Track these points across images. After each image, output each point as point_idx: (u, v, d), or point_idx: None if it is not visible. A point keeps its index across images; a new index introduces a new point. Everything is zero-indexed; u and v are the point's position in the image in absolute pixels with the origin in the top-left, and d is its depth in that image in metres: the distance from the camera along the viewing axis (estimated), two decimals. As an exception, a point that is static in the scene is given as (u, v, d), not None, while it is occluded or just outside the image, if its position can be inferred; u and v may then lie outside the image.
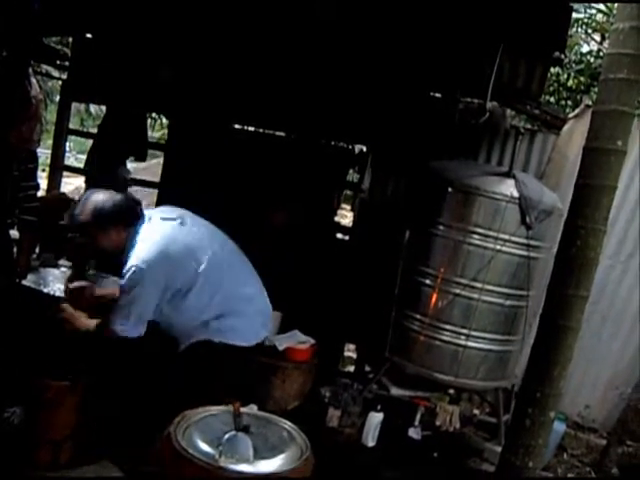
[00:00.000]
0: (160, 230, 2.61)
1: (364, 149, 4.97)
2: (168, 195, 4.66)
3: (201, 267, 2.58)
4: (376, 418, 3.53)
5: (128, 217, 2.64)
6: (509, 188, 3.49)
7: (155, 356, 2.75)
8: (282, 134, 5.13)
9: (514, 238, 3.48)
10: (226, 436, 1.85)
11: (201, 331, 2.63)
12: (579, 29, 6.95)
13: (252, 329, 2.76)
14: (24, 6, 3.02)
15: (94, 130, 6.59)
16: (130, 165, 5.84)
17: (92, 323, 2.68)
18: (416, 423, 3.75)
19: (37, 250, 3.93)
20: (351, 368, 4.89)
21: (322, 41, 4.11)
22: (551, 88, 6.72)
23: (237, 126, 5.25)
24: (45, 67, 6.74)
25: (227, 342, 2.64)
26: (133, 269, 2.49)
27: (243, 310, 2.70)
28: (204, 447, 1.81)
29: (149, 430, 2.55)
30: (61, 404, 2.60)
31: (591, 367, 4.23)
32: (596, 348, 4.20)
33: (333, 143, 4.91)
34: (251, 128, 5.23)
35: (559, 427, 3.66)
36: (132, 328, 2.55)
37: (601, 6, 6.76)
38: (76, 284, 2.99)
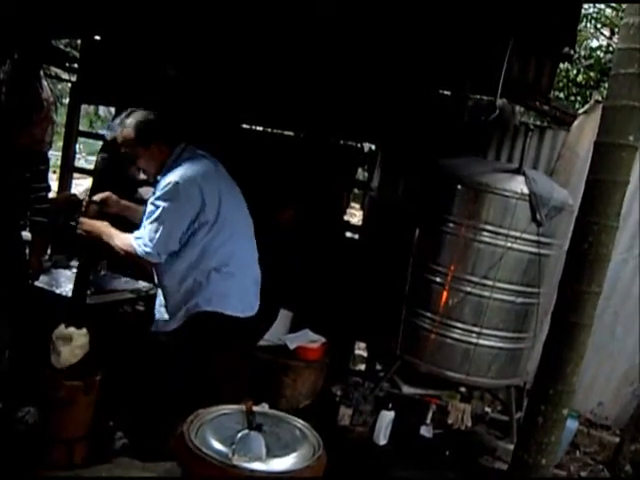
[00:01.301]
0: (201, 161, 2.64)
1: (373, 147, 4.97)
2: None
3: (225, 208, 2.59)
4: (387, 416, 3.53)
5: (169, 133, 2.65)
6: (519, 185, 3.48)
7: (158, 354, 2.76)
8: (290, 133, 5.13)
9: (525, 235, 3.47)
10: (239, 435, 1.85)
11: (198, 292, 2.60)
12: (588, 24, 6.91)
13: (247, 297, 2.73)
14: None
15: (103, 132, 6.62)
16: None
17: (120, 236, 2.64)
18: (428, 421, 3.74)
19: (49, 251, 3.95)
20: (362, 366, 4.89)
21: (331, 39, 4.11)
22: (560, 84, 6.69)
23: (245, 126, 5.26)
24: (54, 69, 6.77)
25: (222, 311, 2.61)
26: (170, 184, 2.48)
27: (241, 273, 2.68)
28: (217, 446, 1.82)
29: (162, 427, 2.58)
30: (75, 403, 2.62)
31: (604, 364, 4.20)
32: (609, 344, 4.18)
33: (342, 142, 4.91)
34: (259, 128, 5.24)
35: (572, 424, 3.64)
36: (155, 253, 2.51)
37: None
38: (100, 195, 2.94)
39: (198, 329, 2.63)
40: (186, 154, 2.64)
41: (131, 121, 2.61)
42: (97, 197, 2.93)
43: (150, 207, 2.54)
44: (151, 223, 2.51)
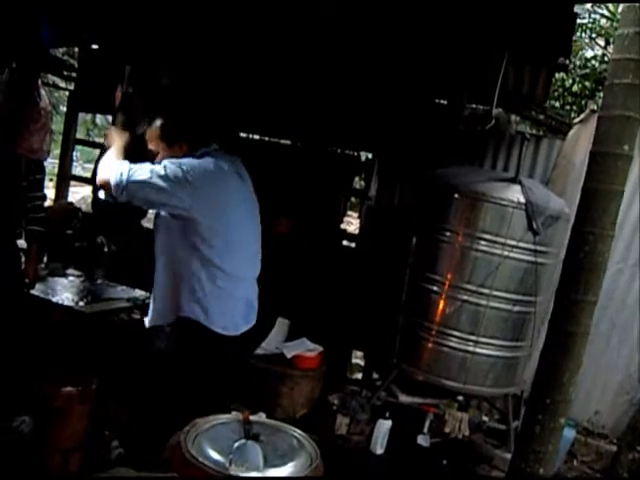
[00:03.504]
0: (216, 163, 2.63)
1: (370, 156, 4.98)
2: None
3: (222, 216, 2.57)
4: (385, 425, 3.52)
5: (195, 136, 2.68)
6: (515, 194, 3.49)
7: (151, 363, 2.74)
8: (288, 142, 5.15)
9: (521, 244, 3.48)
10: (236, 444, 1.85)
11: (184, 293, 2.58)
12: (583, 34, 6.95)
13: (231, 316, 2.67)
14: (34, 34, 3.07)
15: (100, 140, 6.64)
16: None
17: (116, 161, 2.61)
18: (425, 430, 3.73)
19: (45, 260, 3.95)
20: (359, 375, 4.88)
21: (329, 49, 4.13)
22: (556, 93, 6.73)
23: (243, 134, 5.27)
24: (52, 78, 6.79)
25: (206, 325, 2.58)
26: (180, 163, 2.50)
27: (230, 290, 2.64)
28: (214, 455, 1.81)
29: (157, 437, 2.56)
30: (70, 412, 2.61)
31: (600, 373, 4.20)
32: (605, 353, 4.18)
33: (339, 150, 4.92)
34: (256, 136, 5.25)
35: (569, 433, 3.64)
36: (127, 185, 2.47)
37: (605, 11, 6.77)
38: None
39: (183, 336, 2.62)
40: (206, 152, 2.66)
41: (158, 120, 2.68)
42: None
43: (158, 164, 2.55)
44: (149, 170, 2.49)
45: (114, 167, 2.54)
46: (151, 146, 2.69)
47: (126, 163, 2.55)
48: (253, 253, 2.81)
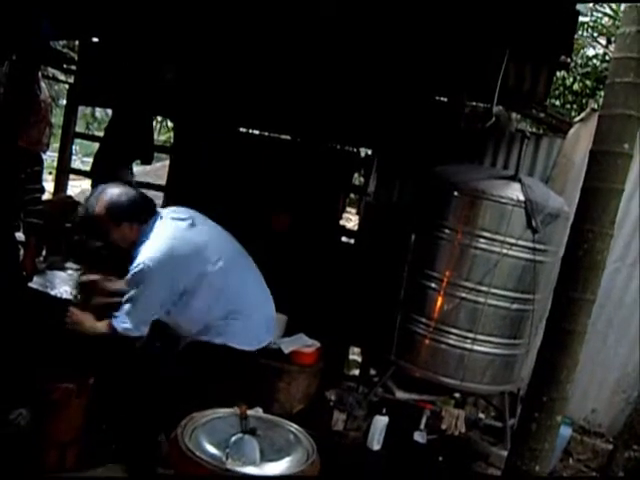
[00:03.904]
0: (170, 230, 2.62)
1: (370, 152, 4.98)
2: (174, 198, 4.68)
3: (208, 269, 2.59)
4: (381, 422, 3.53)
5: (141, 213, 2.65)
6: (515, 192, 3.49)
7: (155, 354, 2.75)
8: (287, 137, 5.15)
9: (520, 242, 3.48)
10: (233, 438, 1.86)
11: (204, 332, 2.64)
12: (585, 33, 6.94)
13: (255, 334, 2.74)
14: (34, 29, 3.06)
15: (99, 134, 6.63)
16: (136, 168, 5.86)
17: (99, 326, 2.66)
18: (422, 427, 3.74)
19: (44, 253, 3.95)
20: (356, 371, 4.88)
21: (329, 45, 4.12)
22: (556, 92, 6.72)
23: (243, 129, 5.27)
24: (52, 71, 6.77)
25: (229, 344, 2.63)
26: (139, 267, 2.50)
27: (248, 314, 2.69)
28: (211, 449, 1.82)
29: (154, 431, 2.56)
30: (67, 406, 2.61)
31: (597, 371, 4.21)
32: (602, 352, 4.19)
33: (339, 146, 4.92)
34: (256, 131, 5.24)
35: (565, 431, 3.64)
36: (134, 327, 2.55)
37: (607, 9, 6.76)
38: (88, 277, 3.03)
39: (197, 352, 2.66)
40: (157, 224, 2.64)
41: (103, 199, 2.62)
42: (83, 278, 3.08)
43: (126, 287, 2.60)
44: (126, 302, 2.56)
45: (107, 329, 2.60)
46: (98, 228, 2.65)
47: (111, 326, 2.58)
48: (253, 275, 2.84)
